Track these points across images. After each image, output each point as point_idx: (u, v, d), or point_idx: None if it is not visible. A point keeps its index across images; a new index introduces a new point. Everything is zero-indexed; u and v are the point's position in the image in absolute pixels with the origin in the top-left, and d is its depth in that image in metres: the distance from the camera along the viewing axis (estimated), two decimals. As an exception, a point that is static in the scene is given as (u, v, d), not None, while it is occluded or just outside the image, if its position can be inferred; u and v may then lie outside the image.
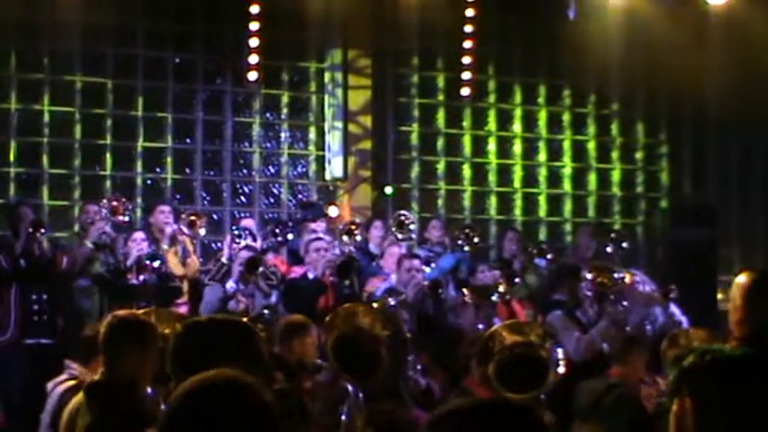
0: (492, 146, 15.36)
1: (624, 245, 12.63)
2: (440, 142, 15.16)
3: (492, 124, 15.38)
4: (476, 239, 11.80)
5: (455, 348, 8.27)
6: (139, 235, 10.70)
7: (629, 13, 14.20)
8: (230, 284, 10.11)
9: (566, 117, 15.79)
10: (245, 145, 14.24)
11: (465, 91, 14.71)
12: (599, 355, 8.84)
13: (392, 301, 9.73)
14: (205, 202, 13.82)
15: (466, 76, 14.64)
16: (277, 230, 11.51)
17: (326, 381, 6.68)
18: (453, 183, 15.16)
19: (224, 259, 10.78)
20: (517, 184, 15.47)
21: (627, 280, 9.91)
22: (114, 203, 10.80)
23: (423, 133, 15.08)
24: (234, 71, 13.92)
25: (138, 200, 13.42)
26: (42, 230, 10.05)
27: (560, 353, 5.99)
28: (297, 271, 10.86)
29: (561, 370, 5.91)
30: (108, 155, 13.44)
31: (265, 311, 9.50)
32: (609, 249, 12.60)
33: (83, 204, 11.63)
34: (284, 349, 7.38)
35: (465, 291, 10.54)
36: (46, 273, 10.02)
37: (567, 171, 15.74)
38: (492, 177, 15.34)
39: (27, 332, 9.83)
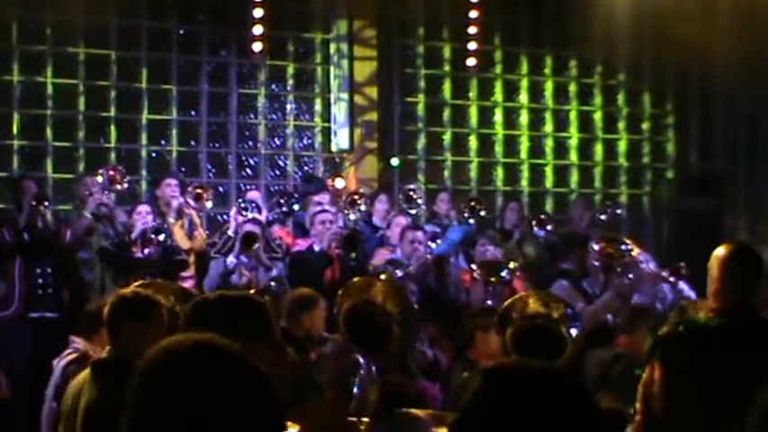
0: (498, 117, 15.31)
1: (618, 212, 12.67)
2: (446, 113, 15.11)
3: (498, 95, 15.33)
4: (482, 212, 11.79)
5: (460, 321, 8.27)
6: (144, 208, 10.68)
7: (636, -18, 14.12)
8: (231, 259, 10.09)
9: (572, 88, 15.75)
10: (250, 117, 14.19)
11: (471, 61, 14.66)
12: (603, 326, 8.82)
13: (399, 273, 9.71)
14: (210, 175, 13.78)
15: (472, 46, 14.58)
16: (282, 201, 11.50)
17: (333, 352, 6.67)
18: (459, 154, 15.13)
19: (230, 232, 10.76)
20: (524, 154, 15.43)
21: (634, 252, 9.88)
22: (112, 173, 10.79)
23: (429, 104, 15.03)
24: (239, 42, 13.85)
25: (143, 172, 13.40)
26: (46, 204, 10.03)
27: (574, 333, 6.02)
28: (302, 243, 10.84)
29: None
30: (112, 127, 13.41)
31: (272, 284, 9.47)
32: (603, 217, 12.61)
33: (81, 177, 11.57)
34: (292, 323, 7.38)
35: (474, 267, 10.50)
36: (50, 246, 10.01)
37: (574, 142, 15.70)
38: (498, 148, 15.30)
39: (31, 306, 9.82)
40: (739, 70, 14.59)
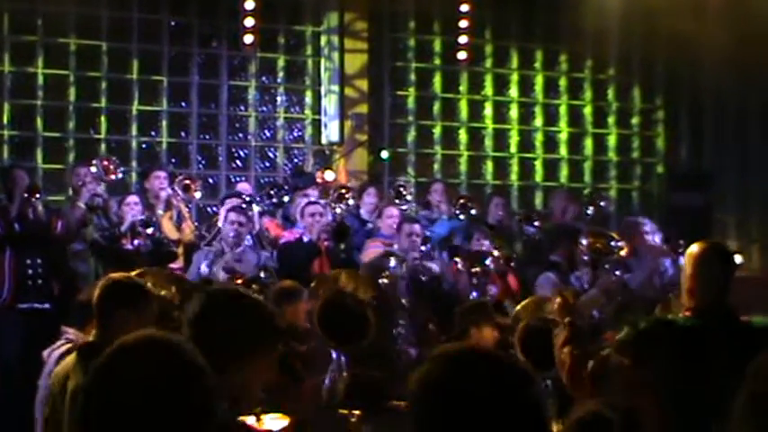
0: (488, 110, 15.34)
1: (603, 204, 12.71)
2: (436, 106, 15.13)
3: (489, 89, 15.35)
4: (473, 210, 11.81)
5: (451, 315, 8.27)
6: (133, 199, 10.66)
7: (627, -23, 14.15)
8: (204, 268, 9.98)
9: (562, 82, 15.78)
10: (240, 109, 14.19)
11: (462, 55, 14.69)
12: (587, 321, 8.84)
13: (392, 264, 9.68)
14: (200, 166, 13.78)
15: (463, 40, 14.61)
16: (272, 192, 11.51)
17: (319, 346, 6.69)
18: (449, 147, 15.15)
19: (220, 224, 10.75)
20: (513, 148, 15.46)
21: (623, 252, 9.87)
22: (105, 163, 10.78)
23: (419, 97, 15.05)
24: (230, 34, 13.84)
25: (133, 163, 13.40)
26: (38, 195, 9.98)
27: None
28: (292, 234, 10.83)
29: None
30: (103, 118, 13.39)
31: (261, 274, 9.45)
32: (589, 212, 12.64)
33: (72, 167, 11.54)
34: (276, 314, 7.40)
35: (457, 258, 10.52)
36: (41, 237, 9.96)
37: (564, 136, 15.74)
38: (488, 142, 15.33)
39: (21, 297, 9.76)
40: (729, 66, 14.65)
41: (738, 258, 14.72)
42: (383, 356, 7.29)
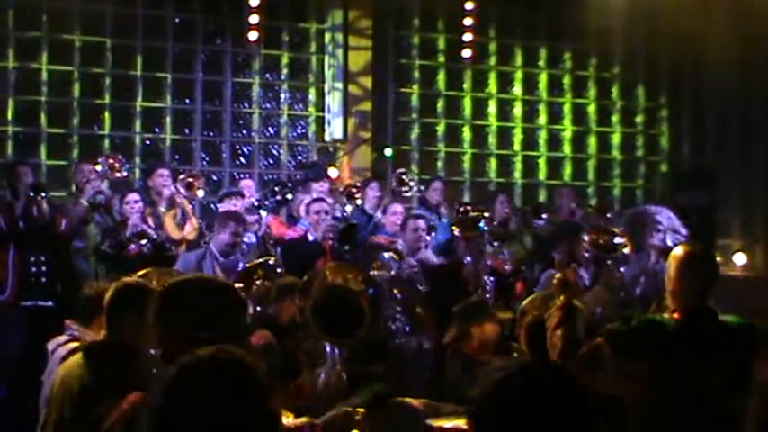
0: (492, 108, 15.34)
1: (609, 203, 12.74)
2: (440, 104, 15.13)
3: (492, 86, 15.35)
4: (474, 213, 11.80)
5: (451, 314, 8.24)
6: (133, 197, 10.59)
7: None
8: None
9: (566, 80, 15.78)
10: (244, 106, 14.20)
11: (466, 53, 14.69)
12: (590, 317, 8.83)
13: (392, 264, 9.68)
14: (204, 163, 13.78)
15: (467, 37, 14.61)
16: (276, 189, 11.50)
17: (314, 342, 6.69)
18: (453, 145, 15.15)
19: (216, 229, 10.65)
20: (517, 146, 15.46)
21: (627, 250, 9.84)
22: (110, 161, 10.75)
23: (423, 95, 15.05)
24: (234, 31, 13.85)
25: (137, 160, 13.40)
26: (43, 194, 9.95)
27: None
28: (296, 231, 10.82)
29: None
30: (107, 114, 13.41)
31: (271, 261, 9.33)
32: (589, 210, 12.67)
33: (76, 164, 11.52)
34: (278, 309, 7.41)
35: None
36: (45, 235, 9.94)
37: (568, 134, 15.73)
38: (492, 140, 15.33)
39: (25, 294, 9.75)
40: (733, 64, 14.63)
41: (742, 258, 14.82)
42: (383, 350, 7.29)
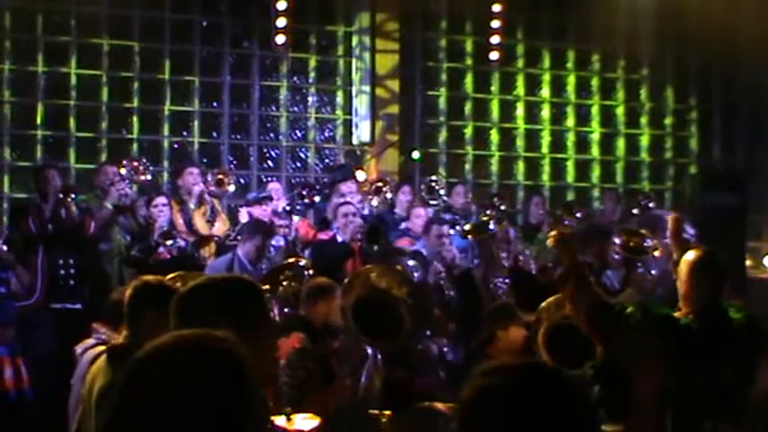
0: (520, 111, 15.30)
1: (651, 205, 12.68)
2: (467, 107, 15.10)
3: (520, 89, 15.31)
4: (503, 207, 11.81)
5: (478, 319, 8.23)
6: (161, 200, 10.62)
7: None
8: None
9: (594, 82, 15.73)
10: (272, 109, 14.22)
11: (493, 55, 14.65)
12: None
13: (411, 263, 9.65)
14: (232, 166, 13.78)
15: (494, 40, 14.57)
16: (304, 192, 11.50)
17: (354, 343, 6.68)
18: (481, 148, 15.12)
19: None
20: (545, 149, 15.42)
21: (657, 253, 9.81)
22: (135, 164, 10.78)
23: (450, 97, 15.03)
24: (261, 35, 13.86)
25: (165, 163, 13.44)
26: (72, 196, 9.99)
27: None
28: (326, 234, 10.83)
29: None
30: (135, 118, 13.45)
31: (302, 262, 9.32)
32: (635, 211, 12.62)
33: (100, 166, 11.53)
34: (310, 311, 7.39)
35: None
36: (73, 238, 9.97)
37: (596, 136, 15.68)
38: (520, 142, 15.29)
39: (53, 297, 9.79)
40: (762, 65, 14.54)
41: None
42: (408, 355, 7.29)
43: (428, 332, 8.65)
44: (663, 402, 5.19)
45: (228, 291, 3.59)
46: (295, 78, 14.32)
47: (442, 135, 14.97)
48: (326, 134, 14.46)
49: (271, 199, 11.31)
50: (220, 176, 11.24)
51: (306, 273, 8.58)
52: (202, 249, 10.88)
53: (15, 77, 13.02)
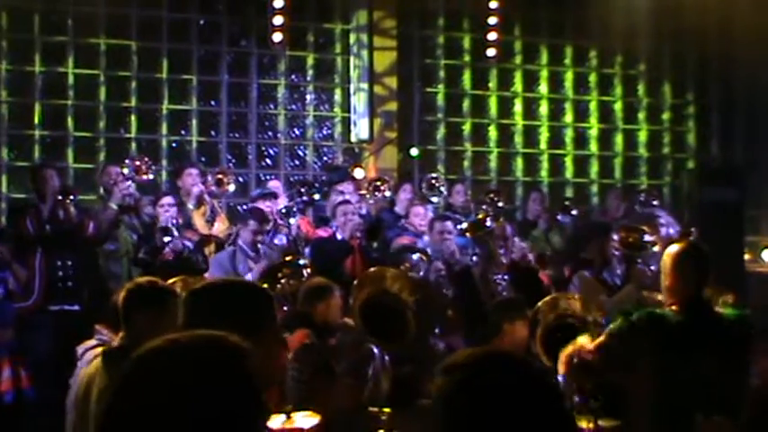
0: (518, 107, 15.31)
1: (654, 203, 12.69)
2: (466, 103, 15.11)
3: (518, 85, 15.32)
4: (500, 203, 11.81)
5: (484, 313, 8.22)
6: (167, 200, 10.55)
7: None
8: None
9: (592, 78, 15.73)
10: (270, 107, 14.21)
11: (491, 52, 14.65)
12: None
13: (420, 264, 9.65)
14: (230, 165, 13.78)
15: (492, 36, 14.57)
16: (303, 190, 11.49)
17: (353, 340, 6.67)
18: (479, 144, 15.12)
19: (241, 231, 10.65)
20: (543, 145, 15.42)
21: (656, 248, 9.82)
22: (137, 163, 10.75)
23: (448, 94, 15.03)
24: (259, 33, 13.86)
25: (164, 162, 13.44)
26: (71, 197, 9.95)
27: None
28: (326, 231, 10.82)
29: None
30: (133, 117, 13.45)
31: (301, 261, 9.31)
32: (637, 208, 12.63)
33: (103, 167, 11.51)
34: (308, 311, 7.38)
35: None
36: (72, 239, 9.93)
37: (594, 132, 15.68)
38: (518, 139, 15.29)
39: (51, 298, 9.75)
40: (760, 60, 14.53)
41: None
42: (412, 352, 7.28)
43: (437, 330, 8.66)
44: (654, 396, 5.21)
45: (236, 295, 3.57)
46: (293, 76, 14.32)
47: (441, 132, 14.98)
48: (325, 132, 14.45)
49: (275, 196, 11.31)
50: (220, 176, 11.22)
51: (305, 271, 8.58)
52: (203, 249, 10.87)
53: (12, 77, 13.02)
